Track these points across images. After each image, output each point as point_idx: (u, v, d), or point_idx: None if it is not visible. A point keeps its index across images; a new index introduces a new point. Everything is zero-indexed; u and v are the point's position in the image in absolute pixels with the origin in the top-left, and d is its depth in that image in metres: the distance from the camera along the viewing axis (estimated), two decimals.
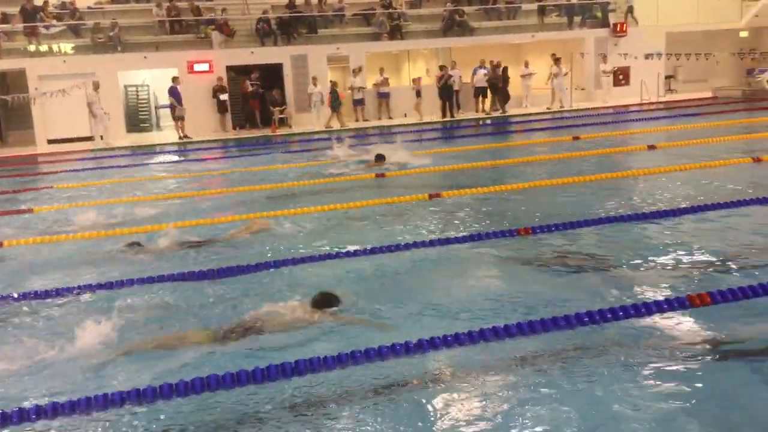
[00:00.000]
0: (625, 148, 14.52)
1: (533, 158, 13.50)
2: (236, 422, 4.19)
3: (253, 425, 4.14)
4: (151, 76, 24.51)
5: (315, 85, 22.01)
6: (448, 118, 22.89)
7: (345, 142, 15.60)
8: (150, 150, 20.22)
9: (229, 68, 22.46)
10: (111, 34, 21.66)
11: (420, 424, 4.06)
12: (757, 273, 6.11)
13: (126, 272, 7.03)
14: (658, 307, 5.34)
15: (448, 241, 7.65)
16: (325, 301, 5.60)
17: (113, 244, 8.21)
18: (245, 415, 4.24)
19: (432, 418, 4.11)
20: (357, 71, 22.72)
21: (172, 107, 21.23)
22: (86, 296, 6.45)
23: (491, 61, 23.84)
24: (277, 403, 4.33)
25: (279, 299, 5.77)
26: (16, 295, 6.55)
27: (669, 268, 6.57)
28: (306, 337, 5.23)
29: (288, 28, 23.18)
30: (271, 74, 22.49)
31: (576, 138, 16.21)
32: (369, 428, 4.04)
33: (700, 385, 4.34)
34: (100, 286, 6.62)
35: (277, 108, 22.25)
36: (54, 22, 22.05)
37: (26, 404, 4.33)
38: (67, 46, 21.88)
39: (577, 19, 25.87)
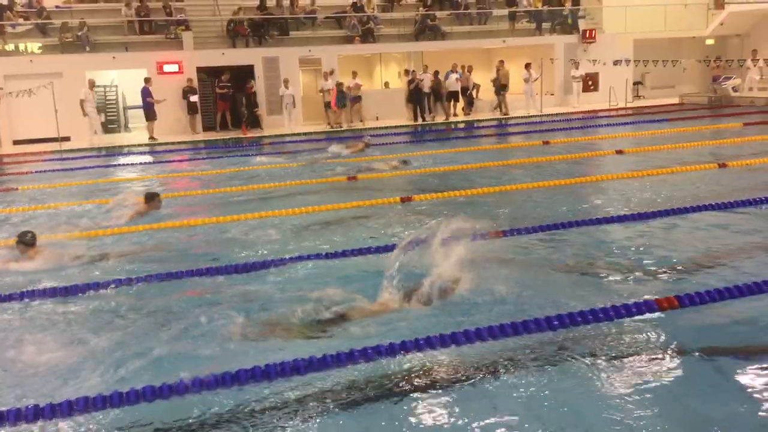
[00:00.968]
0: (595, 153, 14.68)
1: (505, 162, 13.58)
2: None
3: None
4: (120, 76, 24.19)
5: (287, 87, 21.93)
6: (419, 122, 22.96)
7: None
8: (121, 151, 19.89)
9: (200, 69, 22.27)
10: (79, 33, 21.34)
11: None
12: (724, 276, 6.22)
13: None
14: (627, 310, 5.41)
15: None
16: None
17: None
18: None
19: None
20: (329, 74, 22.68)
21: (149, 107, 20.92)
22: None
23: (463, 66, 23.98)
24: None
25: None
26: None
27: (637, 271, 6.64)
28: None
29: (260, 29, 23.06)
30: (242, 76, 22.34)
31: (546, 143, 16.37)
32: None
33: (666, 387, 4.41)
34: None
35: (250, 110, 22.10)
36: (21, 20, 21.68)
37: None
38: (34, 46, 21.49)
39: (547, 25, 26.14)
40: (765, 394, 4.29)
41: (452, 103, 24.04)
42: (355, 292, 5.94)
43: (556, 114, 23.18)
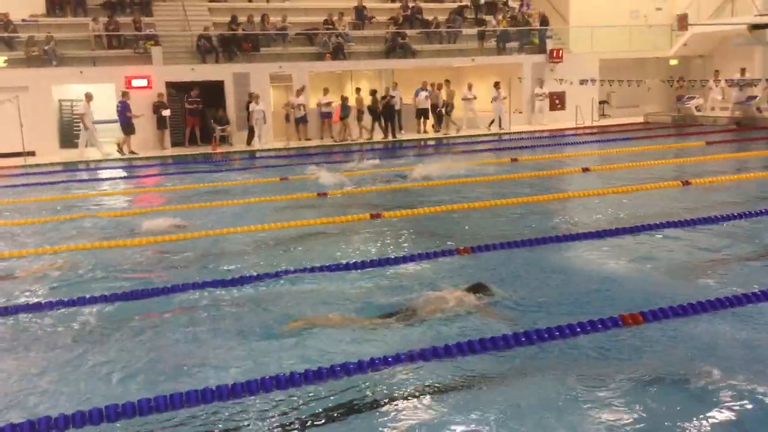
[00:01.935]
0: (561, 170, 14.87)
1: (472, 180, 13.68)
2: None
3: None
4: (89, 90, 23.81)
5: (257, 103, 21.87)
6: (390, 139, 23.06)
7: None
8: (88, 166, 19.63)
9: (169, 85, 22.12)
10: (46, 47, 21.09)
11: None
12: (688, 292, 6.32)
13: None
14: (592, 326, 5.47)
15: (387, 262, 7.69)
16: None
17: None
18: None
19: None
20: (300, 91, 22.64)
21: (126, 121, 20.75)
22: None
23: (432, 84, 24.19)
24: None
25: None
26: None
27: (602, 288, 6.73)
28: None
29: (230, 45, 23.01)
30: (212, 92, 22.24)
31: (514, 160, 16.54)
32: None
33: (631, 404, 4.45)
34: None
35: (219, 127, 22.01)
36: None
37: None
38: None
39: (514, 44, 26.51)
40: (726, 411, 4.36)
41: (422, 120, 24.21)
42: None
43: (524, 132, 23.48)
